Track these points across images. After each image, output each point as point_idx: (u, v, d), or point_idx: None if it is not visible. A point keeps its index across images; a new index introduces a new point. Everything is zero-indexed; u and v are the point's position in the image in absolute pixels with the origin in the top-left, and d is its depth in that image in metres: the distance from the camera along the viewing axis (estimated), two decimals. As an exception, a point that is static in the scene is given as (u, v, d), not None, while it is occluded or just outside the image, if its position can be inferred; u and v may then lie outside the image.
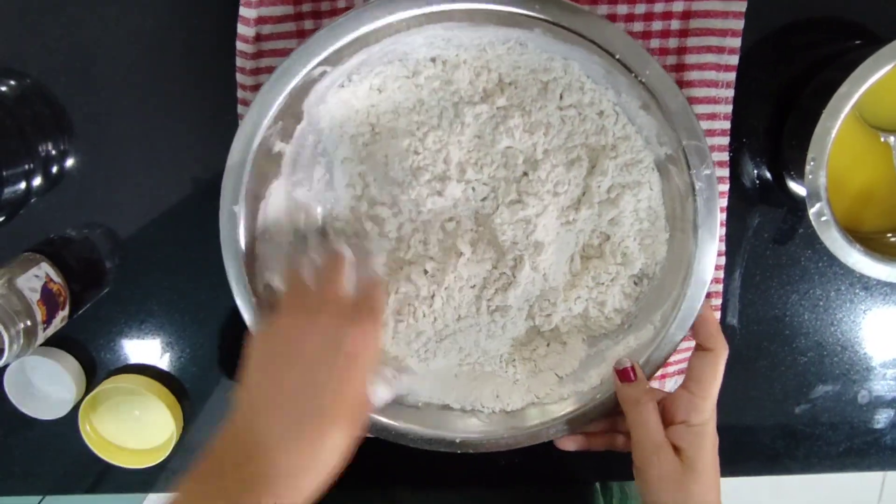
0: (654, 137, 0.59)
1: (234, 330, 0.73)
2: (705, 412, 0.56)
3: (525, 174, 0.61)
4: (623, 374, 0.58)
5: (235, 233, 0.59)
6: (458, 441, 0.62)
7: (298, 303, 0.53)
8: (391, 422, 0.63)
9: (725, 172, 0.65)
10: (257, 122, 0.56)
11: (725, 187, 0.66)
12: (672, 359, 0.69)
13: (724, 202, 0.66)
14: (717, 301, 0.69)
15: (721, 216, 0.65)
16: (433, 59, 0.59)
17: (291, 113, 0.57)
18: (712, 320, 0.58)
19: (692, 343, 0.69)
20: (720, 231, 0.59)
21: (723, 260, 0.68)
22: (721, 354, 0.56)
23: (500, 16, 0.54)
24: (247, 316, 0.61)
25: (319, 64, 0.55)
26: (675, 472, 0.55)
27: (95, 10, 0.65)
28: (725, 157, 0.65)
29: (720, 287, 0.69)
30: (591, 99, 0.59)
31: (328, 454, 0.47)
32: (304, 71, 0.55)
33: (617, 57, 0.54)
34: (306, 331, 0.50)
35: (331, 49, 0.54)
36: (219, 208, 0.58)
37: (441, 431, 0.63)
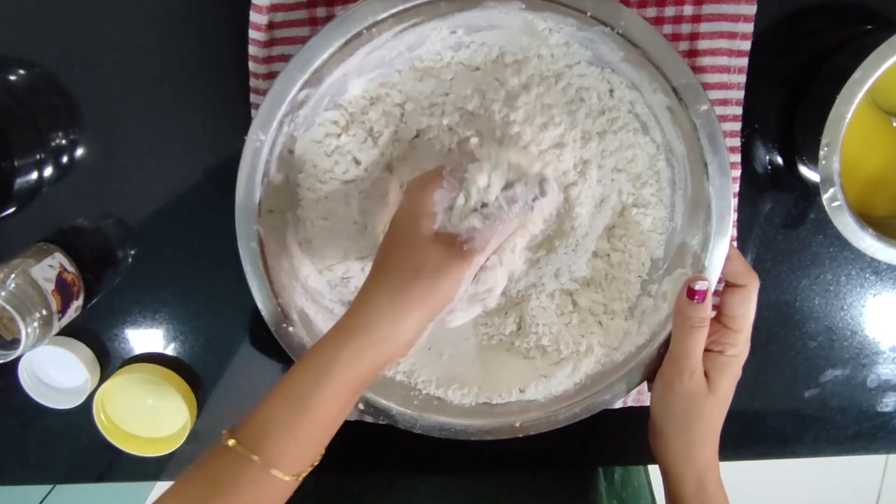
0: (646, 85, 0.58)
1: (247, 319, 0.73)
2: (739, 344, 0.58)
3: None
4: (693, 294, 0.58)
5: (250, 227, 0.60)
6: (518, 425, 0.64)
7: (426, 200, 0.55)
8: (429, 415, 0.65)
9: (737, 158, 0.66)
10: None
11: (737, 173, 0.66)
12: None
13: (735, 187, 0.66)
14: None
15: (734, 201, 0.65)
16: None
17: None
18: (738, 257, 0.59)
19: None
20: (733, 170, 0.60)
21: (735, 244, 0.68)
22: (753, 288, 0.58)
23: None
24: (264, 309, 0.61)
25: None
26: (700, 392, 0.59)
27: (107, 0, 0.65)
28: (737, 142, 0.65)
29: (731, 272, 0.69)
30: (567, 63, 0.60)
31: (408, 325, 0.52)
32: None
33: (588, 14, 0.55)
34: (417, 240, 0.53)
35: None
36: (234, 198, 0.59)
37: (499, 420, 0.65)
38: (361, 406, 0.64)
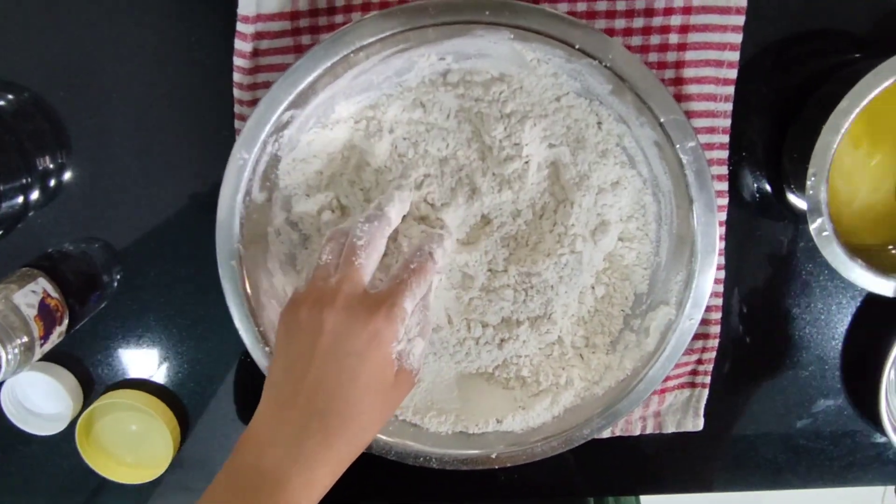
0: (633, 119, 0.58)
1: (231, 346, 0.72)
2: None
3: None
4: None
5: (231, 245, 0.59)
6: (493, 456, 0.64)
7: (314, 292, 0.52)
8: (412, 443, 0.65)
9: (724, 186, 0.65)
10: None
11: (725, 201, 0.65)
12: (672, 372, 0.69)
13: (723, 216, 0.66)
14: (717, 315, 0.69)
15: (721, 230, 0.65)
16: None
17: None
18: None
19: (692, 357, 0.69)
20: (718, 202, 0.60)
21: (722, 274, 0.68)
22: None
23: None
24: (241, 329, 0.61)
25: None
26: None
27: (95, 25, 0.65)
28: (725, 170, 0.65)
29: (720, 301, 0.69)
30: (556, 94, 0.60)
31: (331, 465, 0.49)
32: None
33: (577, 47, 0.55)
34: (314, 328, 0.50)
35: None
36: (215, 223, 0.59)
37: (476, 450, 0.64)
38: None
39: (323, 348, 0.49)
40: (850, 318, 0.72)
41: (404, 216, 0.60)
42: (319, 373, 0.49)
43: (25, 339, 0.62)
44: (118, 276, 0.72)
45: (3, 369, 0.61)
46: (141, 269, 0.71)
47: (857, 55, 0.65)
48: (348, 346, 0.49)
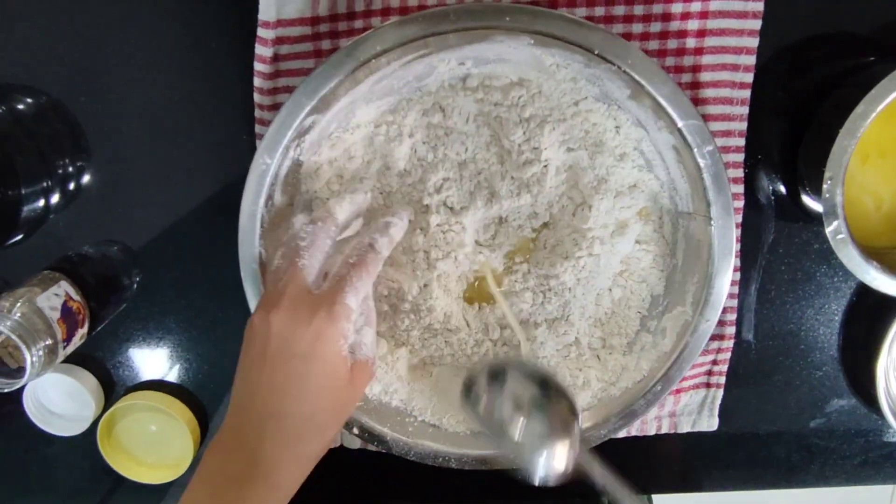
0: (651, 123, 0.59)
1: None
2: None
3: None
4: None
5: (253, 249, 0.60)
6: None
7: (265, 296, 0.53)
8: (421, 441, 0.65)
9: (740, 189, 0.66)
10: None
11: (740, 203, 0.66)
12: (688, 373, 0.69)
13: (738, 218, 0.66)
14: (732, 316, 0.70)
15: (737, 232, 0.66)
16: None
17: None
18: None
19: (708, 357, 0.70)
20: (735, 204, 0.60)
21: (738, 275, 0.68)
22: None
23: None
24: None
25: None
26: None
27: (113, 30, 0.66)
28: (740, 173, 0.65)
29: (735, 302, 0.69)
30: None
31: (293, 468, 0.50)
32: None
33: (596, 52, 0.55)
34: (264, 332, 0.51)
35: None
36: (237, 226, 0.60)
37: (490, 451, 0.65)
38: (356, 430, 0.64)
39: (272, 352, 0.50)
40: (864, 320, 0.72)
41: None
42: (270, 376, 0.50)
43: (49, 341, 0.63)
44: (137, 279, 0.72)
45: (27, 371, 0.62)
46: (160, 272, 0.72)
47: (873, 58, 0.65)
48: (294, 348, 0.50)
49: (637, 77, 0.55)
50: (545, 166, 0.61)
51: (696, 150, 0.57)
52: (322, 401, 0.51)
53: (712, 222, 0.59)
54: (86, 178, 0.70)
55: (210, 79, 0.67)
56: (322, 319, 0.50)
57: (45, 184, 0.67)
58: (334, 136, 0.61)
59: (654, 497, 0.97)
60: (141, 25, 0.66)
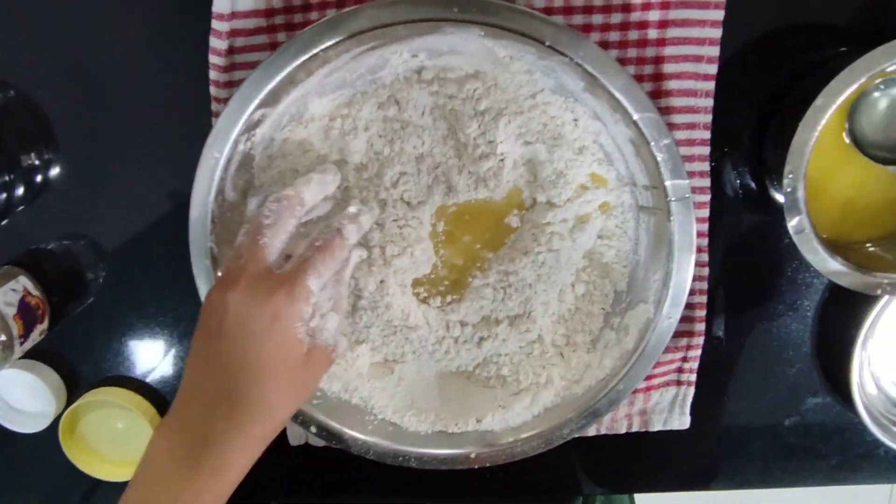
0: (608, 116, 0.57)
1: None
2: None
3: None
4: None
5: (205, 244, 0.60)
6: (473, 456, 0.63)
7: (225, 273, 0.53)
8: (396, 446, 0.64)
9: (707, 182, 0.64)
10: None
11: (707, 197, 0.65)
12: (657, 370, 0.68)
13: (705, 212, 0.65)
14: (702, 312, 0.68)
15: (703, 226, 0.65)
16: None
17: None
18: None
19: (677, 355, 0.68)
20: (700, 198, 0.61)
21: (706, 271, 0.67)
22: None
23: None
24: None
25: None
26: None
27: (80, 23, 0.65)
28: (706, 167, 0.64)
29: (705, 298, 0.68)
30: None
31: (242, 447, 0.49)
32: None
33: (547, 44, 0.54)
34: (221, 309, 0.50)
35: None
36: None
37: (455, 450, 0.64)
38: (314, 429, 0.63)
39: (227, 330, 0.49)
40: (836, 316, 0.70)
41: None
42: (224, 355, 0.49)
43: (4, 337, 0.63)
44: (103, 274, 0.72)
45: (-19, 368, 0.62)
46: (126, 267, 0.72)
47: (844, 49, 0.63)
48: (250, 327, 0.49)
49: (590, 69, 0.54)
50: (502, 160, 0.60)
51: (652, 143, 0.55)
52: (274, 382, 0.50)
53: (671, 217, 0.57)
54: (52, 172, 0.69)
55: (173, 72, 0.66)
56: (280, 299, 0.49)
57: (7, 177, 0.67)
58: (287, 129, 0.60)
59: (637, 497, 0.97)
60: (107, 20, 0.65)
